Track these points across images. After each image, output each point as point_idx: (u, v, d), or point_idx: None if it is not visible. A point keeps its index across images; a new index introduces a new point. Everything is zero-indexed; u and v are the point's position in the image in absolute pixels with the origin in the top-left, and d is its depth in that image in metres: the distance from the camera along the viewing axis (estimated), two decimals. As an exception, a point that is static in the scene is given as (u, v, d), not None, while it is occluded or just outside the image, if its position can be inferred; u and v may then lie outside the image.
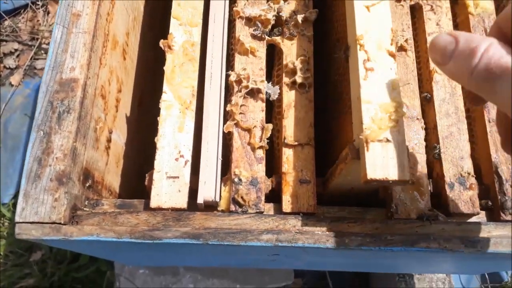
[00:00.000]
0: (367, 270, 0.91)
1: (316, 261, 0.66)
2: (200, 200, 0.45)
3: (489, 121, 0.50)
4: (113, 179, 0.57)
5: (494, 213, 0.48)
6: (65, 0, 0.49)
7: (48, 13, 1.39)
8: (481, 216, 0.49)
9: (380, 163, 0.38)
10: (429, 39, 0.53)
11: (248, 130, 0.48)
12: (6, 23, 1.36)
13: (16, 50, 1.36)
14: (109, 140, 0.54)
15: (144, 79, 0.68)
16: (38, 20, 1.40)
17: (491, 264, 0.71)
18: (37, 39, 1.37)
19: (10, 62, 1.34)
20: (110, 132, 0.54)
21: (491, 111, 0.51)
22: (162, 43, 0.50)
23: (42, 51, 1.37)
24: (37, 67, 1.35)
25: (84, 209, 0.45)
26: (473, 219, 0.48)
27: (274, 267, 0.84)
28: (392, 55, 0.42)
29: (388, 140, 0.39)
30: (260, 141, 0.48)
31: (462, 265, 0.76)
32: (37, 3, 1.38)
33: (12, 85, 1.31)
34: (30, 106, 1.30)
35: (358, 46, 0.42)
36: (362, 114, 0.40)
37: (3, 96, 1.31)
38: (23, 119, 1.29)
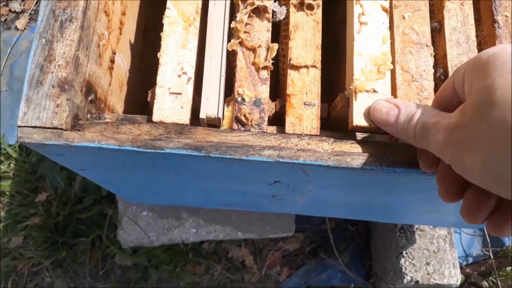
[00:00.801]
0: (369, 217, 0.91)
1: (317, 198, 0.67)
2: (202, 115, 0.44)
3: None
4: (117, 102, 0.57)
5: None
6: None
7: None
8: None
9: (366, 112, 0.42)
10: (444, -34, 0.51)
11: (253, 50, 0.47)
12: (13, -35, 1.34)
13: (22, -6, 1.34)
14: (112, 61, 0.53)
15: (151, 9, 0.67)
16: (44, -36, 1.37)
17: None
18: (44, -17, 1.35)
19: (15, 6, 1.33)
20: (114, 53, 0.54)
21: (503, 42, 0.49)
22: (167, -42, 0.49)
23: (49, -3, 1.35)
24: (44, 13, 1.34)
25: (87, 120, 0.45)
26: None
27: (275, 210, 0.84)
28: (385, 10, 0.46)
29: (375, 91, 0.43)
30: (265, 61, 0.47)
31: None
32: None
33: (17, 29, 1.30)
34: (36, 51, 1.29)
35: (354, 0, 0.46)
36: (353, 65, 0.44)
37: (9, 40, 1.30)
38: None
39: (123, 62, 0.58)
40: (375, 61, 0.44)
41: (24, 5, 1.35)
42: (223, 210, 0.99)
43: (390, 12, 0.49)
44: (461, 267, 1.15)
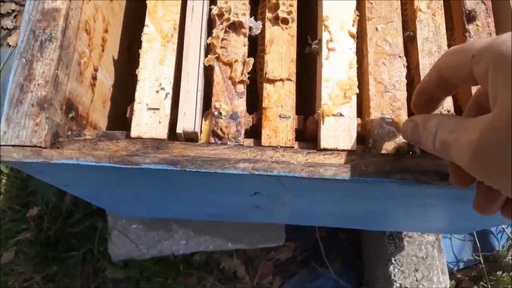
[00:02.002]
0: (355, 225, 0.92)
1: (300, 208, 0.67)
2: (179, 129, 0.45)
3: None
4: (100, 118, 0.58)
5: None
6: None
7: (45, -28, 1.38)
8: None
9: (333, 135, 0.45)
10: (415, -22, 0.53)
11: (229, 64, 0.48)
12: (3, -17, 1.36)
13: (13, 10, 1.36)
14: (94, 78, 0.54)
15: (135, 27, 0.68)
16: (35, -19, 1.39)
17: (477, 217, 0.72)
18: None
19: (7, 22, 1.34)
20: (96, 70, 0.55)
21: (474, 52, 0.51)
22: (145, -23, 0.50)
23: (40, 13, 1.36)
24: (35, 29, 1.35)
25: (67, 137, 0.46)
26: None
27: (261, 219, 0.85)
28: (352, 35, 0.48)
29: (341, 115, 0.46)
30: (241, 76, 0.48)
31: (450, 219, 0.77)
32: (34, -37, 1.37)
33: (9, 46, 1.31)
34: (27, 66, 1.31)
35: (323, 27, 0.48)
36: (322, 90, 0.46)
37: (1, 57, 1.31)
38: (20, 79, 1.29)
39: (106, 78, 0.59)
40: (342, 86, 0.47)
41: (16, 21, 1.36)
42: (213, 221, 1.00)
43: (363, 24, 0.51)
44: (452, 273, 1.16)
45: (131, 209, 0.79)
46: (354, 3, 0.50)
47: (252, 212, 0.72)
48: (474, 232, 1.16)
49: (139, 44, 0.50)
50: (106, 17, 0.57)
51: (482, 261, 1.15)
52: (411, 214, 0.70)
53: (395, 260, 0.97)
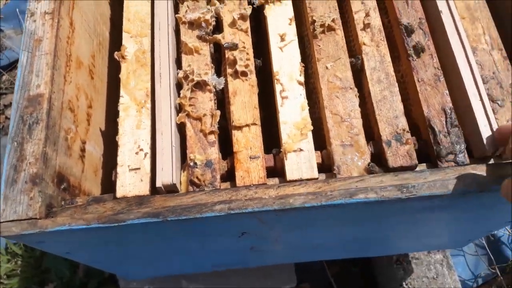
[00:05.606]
0: (356, 254, 0.93)
1: (293, 243, 0.70)
2: (158, 183, 0.50)
3: (419, 81, 0.55)
4: (93, 187, 0.62)
5: (432, 164, 0.52)
6: (27, 30, 0.56)
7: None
8: (423, 169, 0.53)
9: (296, 167, 0.51)
10: (356, 16, 0.59)
11: (199, 119, 0.54)
12: (4, 77, 1.47)
13: (15, 101, 1.46)
14: (83, 150, 0.60)
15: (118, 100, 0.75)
16: (33, 71, 1.50)
17: (470, 222, 0.73)
18: (34, 88, 1.47)
19: (10, 113, 1.44)
20: (84, 143, 0.60)
21: (419, 72, 0.55)
22: (116, 54, 0.57)
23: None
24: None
25: (60, 207, 0.51)
26: (414, 171, 0.52)
27: (262, 262, 0.87)
28: (300, 83, 0.56)
29: (301, 150, 0.52)
30: (211, 127, 0.53)
31: (449, 231, 0.78)
32: (31, 56, 1.49)
33: (14, 134, 1.40)
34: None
35: (275, 81, 0.55)
36: (281, 132, 0.53)
37: (4, 146, 1.40)
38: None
39: (95, 149, 0.64)
40: (298, 126, 0.53)
41: (18, 110, 1.46)
42: (222, 273, 1.02)
43: (314, 64, 0.56)
44: (473, 290, 1.14)
45: (137, 270, 0.82)
46: (299, 57, 0.56)
47: (250, 255, 0.74)
48: (486, 246, 1.16)
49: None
50: (89, 94, 0.64)
51: (499, 274, 1.14)
52: (403, 233, 0.72)
53: (406, 284, 0.97)
